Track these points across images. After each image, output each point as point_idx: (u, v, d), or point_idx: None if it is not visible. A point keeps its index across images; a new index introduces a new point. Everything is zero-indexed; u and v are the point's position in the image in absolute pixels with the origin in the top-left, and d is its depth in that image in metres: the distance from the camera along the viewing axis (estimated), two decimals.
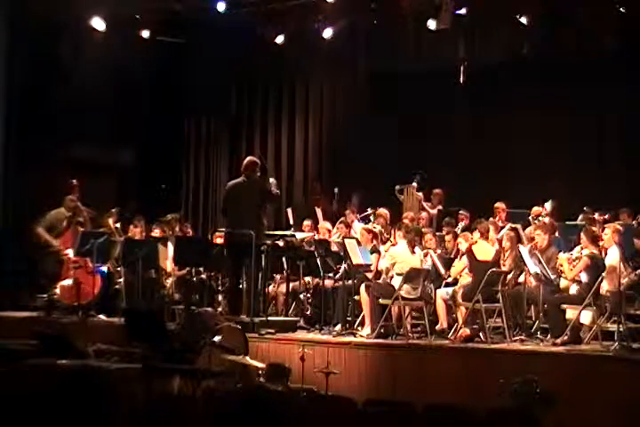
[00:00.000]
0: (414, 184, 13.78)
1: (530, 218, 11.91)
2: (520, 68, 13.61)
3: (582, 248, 10.12)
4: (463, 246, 10.72)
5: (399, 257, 10.63)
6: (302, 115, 15.97)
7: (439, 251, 11.35)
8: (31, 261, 12.98)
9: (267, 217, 11.76)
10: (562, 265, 10.31)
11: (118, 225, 12.99)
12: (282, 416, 6.50)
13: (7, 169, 13.98)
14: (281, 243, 11.71)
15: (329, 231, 12.16)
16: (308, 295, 11.82)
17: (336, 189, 14.38)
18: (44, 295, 12.43)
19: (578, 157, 13.72)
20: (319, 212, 14.07)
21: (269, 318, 10.98)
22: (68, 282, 12.21)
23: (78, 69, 14.33)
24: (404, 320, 10.44)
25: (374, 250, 11.22)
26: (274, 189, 11.25)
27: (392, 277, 10.66)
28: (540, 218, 11.77)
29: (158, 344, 8.86)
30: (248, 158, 11.44)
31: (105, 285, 12.37)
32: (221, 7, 14.14)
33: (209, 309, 10.88)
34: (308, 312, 11.74)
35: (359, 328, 10.84)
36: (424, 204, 13.58)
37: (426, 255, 10.83)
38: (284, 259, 11.72)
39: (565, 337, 9.74)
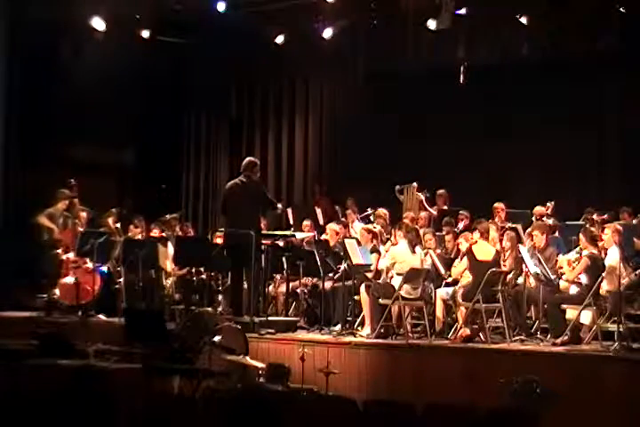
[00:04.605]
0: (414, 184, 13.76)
1: (534, 218, 11.89)
2: (520, 68, 13.60)
3: (581, 249, 10.12)
4: (464, 247, 10.72)
5: (399, 257, 10.63)
6: (302, 115, 15.97)
7: (439, 251, 11.35)
8: (31, 261, 12.98)
9: (265, 218, 11.78)
10: (562, 267, 10.31)
11: (118, 225, 13.00)
12: (282, 416, 6.49)
13: (7, 169, 13.98)
14: (281, 243, 11.72)
15: (336, 233, 12.07)
16: (307, 294, 11.79)
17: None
18: (44, 295, 12.44)
19: (578, 157, 13.73)
20: (319, 212, 14.07)
21: (269, 318, 10.99)
22: (67, 281, 12.21)
23: (78, 69, 14.33)
24: (404, 320, 10.44)
25: (374, 250, 11.22)
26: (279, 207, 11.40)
27: (392, 277, 10.67)
28: (545, 218, 11.76)
29: (158, 344, 8.87)
30: (247, 159, 11.44)
31: (105, 285, 12.38)
32: (221, 7, 14.14)
33: (209, 309, 10.89)
34: (305, 311, 11.71)
35: (359, 328, 10.83)
36: (429, 208, 13.53)
37: (425, 255, 10.82)
38: (284, 259, 11.71)
39: (565, 337, 9.74)
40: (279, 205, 11.63)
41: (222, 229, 11.55)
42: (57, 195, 12.72)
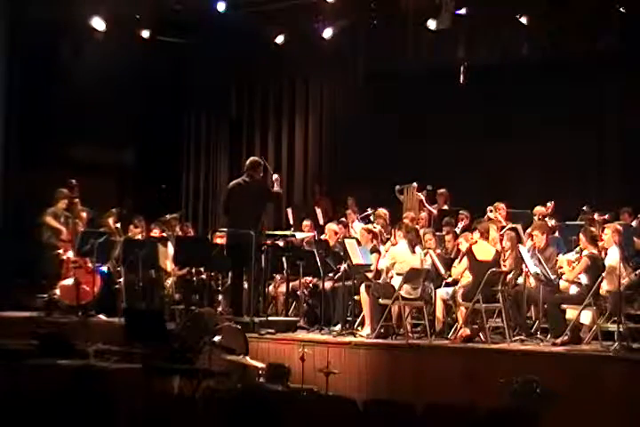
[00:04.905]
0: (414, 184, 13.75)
1: (535, 218, 11.89)
2: (520, 68, 13.60)
3: (582, 249, 10.12)
4: (464, 247, 10.72)
5: (399, 257, 10.63)
6: (302, 115, 15.98)
7: (439, 251, 11.34)
8: (31, 261, 12.98)
9: (267, 217, 11.77)
10: (562, 267, 10.31)
11: (118, 225, 13.00)
12: (282, 416, 6.49)
13: (7, 169, 13.98)
14: (281, 243, 11.71)
15: (335, 233, 12.08)
16: (307, 294, 11.78)
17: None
18: (44, 295, 12.44)
19: (578, 157, 13.73)
20: (319, 212, 14.07)
21: (269, 318, 10.98)
22: (68, 282, 12.22)
23: (78, 69, 14.34)
24: (404, 320, 10.44)
25: (374, 250, 11.22)
26: (276, 187, 11.27)
27: (392, 277, 10.67)
28: (547, 219, 11.76)
29: (158, 344, 8.86)
30: (251, 158, 11.45)
31: (105, 285, 12.38)
32: (221, 7, 14.14)
33: (209, 309, 10.88)
34: (305, 311, 11.70)
35: (359, 328, 10.83)
36: (429, 207, 13.54)
37: (425, 255, 10.82)
38: (284, 259, 11.71)
39: (565, 337, 9.74)
40: (276, 187, 11.43)
41: (222, 229, 11.55)
42: (56, 194, 12.73)
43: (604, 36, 12.65)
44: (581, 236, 10.10)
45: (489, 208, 12.08)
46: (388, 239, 11.71)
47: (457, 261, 10.92)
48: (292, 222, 14.01)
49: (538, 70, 13.70)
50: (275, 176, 11.41)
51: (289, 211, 14.50)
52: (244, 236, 10.63)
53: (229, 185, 11.33)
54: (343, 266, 11.06)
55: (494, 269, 10.17)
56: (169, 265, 12.37)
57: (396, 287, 10.40)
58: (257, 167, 11.11)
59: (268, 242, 11.21)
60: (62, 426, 6.68)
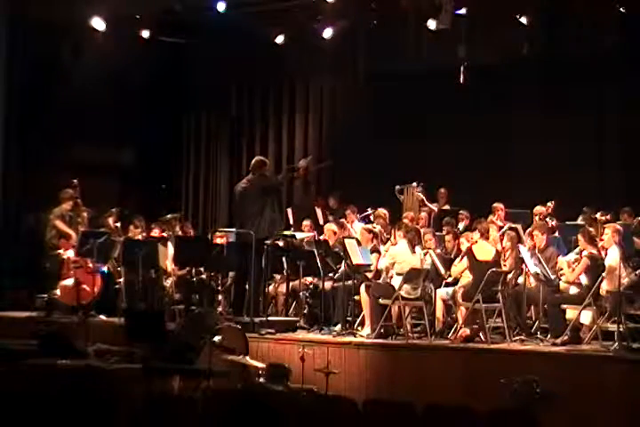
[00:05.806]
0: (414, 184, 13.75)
1: (535, 218, 11.88)
2: (520, 68, 13.60)
3: (581, 249, 10.12)
4: (465, 247, 10.72)
5: (399, 257, 10.63)
6: (302, 115, 15.97)
7: (439, 251, 11.34)
8: (31, 261, 12.98)
9: (277, 213, 11.66)
10: (562, 269, 10.31)
11: (118, 225, 13.00)
12: (282, 416, 6.49)
13: (7, 169, 13.98)
14: (281, 243, 11.72)
15: (334, 233, 12.08)
16: (307, 295, 11.78)
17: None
18: (44, 295, 12.44)
19: (577, 157, 13.71)
20: (319, 212, 14.07)
21: (269, 318, 10.99)
22: (68, 282, 12.22)
23: (78, 69, 14.33)
24: (404, 320, 10.44)
25: (374, 250, 11.22)
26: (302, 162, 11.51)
27: (392, 277, 10.67)
28: (548, 219, 11.76)
29: (158, 344, 8.87)
30: (256, 158, 11.54)
31: (105, 285, 12.38)
32: (221, 7, 14.13)
33: (209, 309, 10.88)
34: (305, 311, 11.71)
35: (359, 328, 10.84)
36: (430, 205, 13.53)
37: (425, 255, 10.82)
38: (283, 259, 11.71)
39: (565, 337, 9.74)
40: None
41: (223, 229, 11.56)
42: (61, 195, 12.70)
43: (604, 35, 12.64)
44: (580, 236, 10.11)
45: (490, 218, 12.06)
46: (388, 239, 11.71)
47: (457, 260, 10.93)
48: (292, 222, 14.00)
49: (538, 70, 13.70)
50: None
51: (289, 211, 14.49)
52: (250, 235, 10.66)
53: (236, 187, 11.37)
54: (343, 266, 11.06)
55: (494, 269, 10.18)
56: (169, 265, 12.37)
57: (396, 287, 10.40)
58: (262, 167, 11.22)
59: (268, 242, 11.22)
60: (62, 426, 6.68)
